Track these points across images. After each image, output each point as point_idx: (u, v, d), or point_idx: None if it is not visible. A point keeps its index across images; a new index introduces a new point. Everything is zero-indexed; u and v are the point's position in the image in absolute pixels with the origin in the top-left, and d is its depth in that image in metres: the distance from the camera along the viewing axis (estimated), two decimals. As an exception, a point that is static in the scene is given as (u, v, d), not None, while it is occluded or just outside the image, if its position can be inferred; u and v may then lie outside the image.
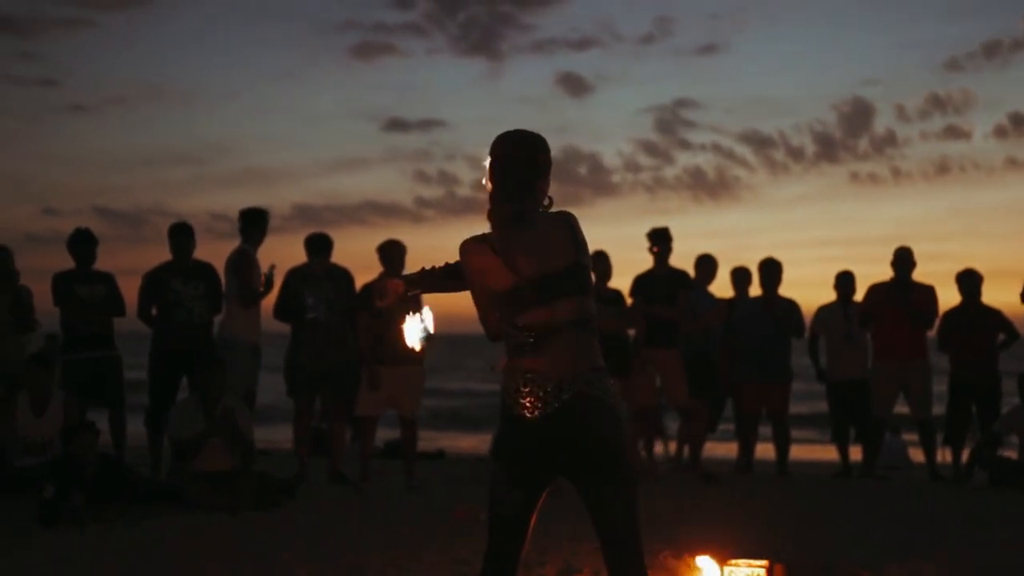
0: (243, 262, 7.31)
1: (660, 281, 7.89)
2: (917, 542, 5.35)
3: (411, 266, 7.66)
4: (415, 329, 3.05)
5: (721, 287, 8.55)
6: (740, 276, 8.52)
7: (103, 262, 7.45)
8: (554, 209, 2.91)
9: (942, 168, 78.53)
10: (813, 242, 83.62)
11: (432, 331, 3.05)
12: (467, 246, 2.88)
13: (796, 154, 79.77)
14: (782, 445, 8.37)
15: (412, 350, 3.11)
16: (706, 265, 8.29)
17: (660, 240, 7.92)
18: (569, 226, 2.86)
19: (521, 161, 2.87)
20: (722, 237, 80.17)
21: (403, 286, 3.14)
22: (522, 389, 2.81)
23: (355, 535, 5.47)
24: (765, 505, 6.62)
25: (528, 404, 2.79)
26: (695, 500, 6.75)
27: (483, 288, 2.86)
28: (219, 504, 6.02)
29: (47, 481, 5.70)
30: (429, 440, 14.11)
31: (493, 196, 2.87)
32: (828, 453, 9.22)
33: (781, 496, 7.04)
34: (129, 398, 7.43)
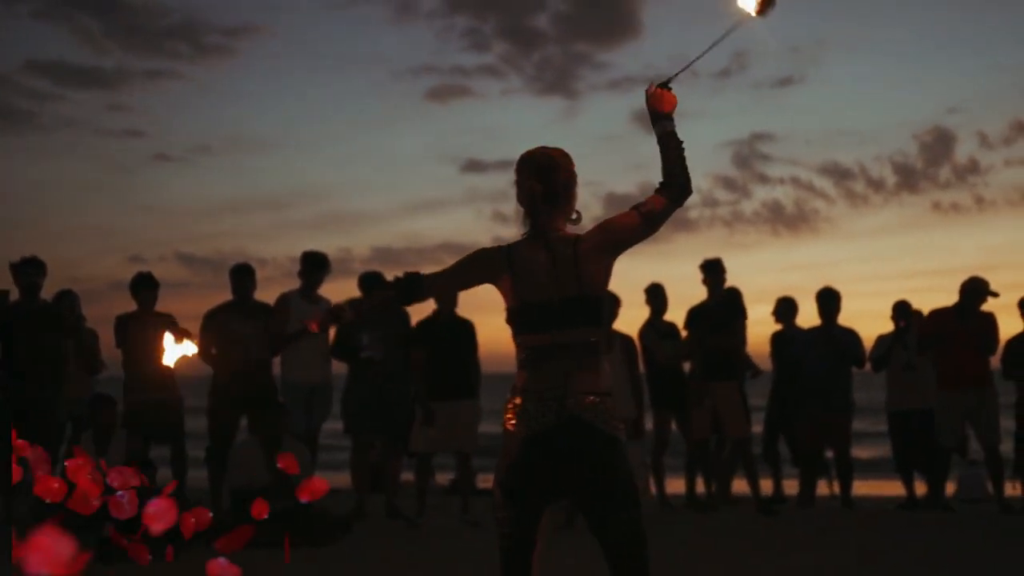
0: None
1: (713, 312, 7.84)
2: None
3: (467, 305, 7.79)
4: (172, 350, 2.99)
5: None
6: (786, 307, 8.43)
7: (188, 307, 7.67)
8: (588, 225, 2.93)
9: (1028, 195, 75.69)
10: (896, 274, 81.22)
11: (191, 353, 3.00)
12: (485, 254, 2.93)
13: (876, 185, 77.98)
14: (845, 478, 8.18)
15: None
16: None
17: (711, 271, 7.89)
18: (578, 252, 2.84)
19: (546, 179, 2.92)
20: (802, 270, 78.61)
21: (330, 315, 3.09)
22: (517, 405, 2.82)
23: (407, 570, 5.50)
24: (823, 537, 6.50)
25: (520, 421, 2.80)
26: (752, 533, 6.66)
27: (503, 292, 2.91)
28: (275, 539, 6.08)
29: (106, 520, 5.83)
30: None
31: (521, 214, 2.94)
32: (896, 488, 9.00)
33: (841, 528, 6.89)
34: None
